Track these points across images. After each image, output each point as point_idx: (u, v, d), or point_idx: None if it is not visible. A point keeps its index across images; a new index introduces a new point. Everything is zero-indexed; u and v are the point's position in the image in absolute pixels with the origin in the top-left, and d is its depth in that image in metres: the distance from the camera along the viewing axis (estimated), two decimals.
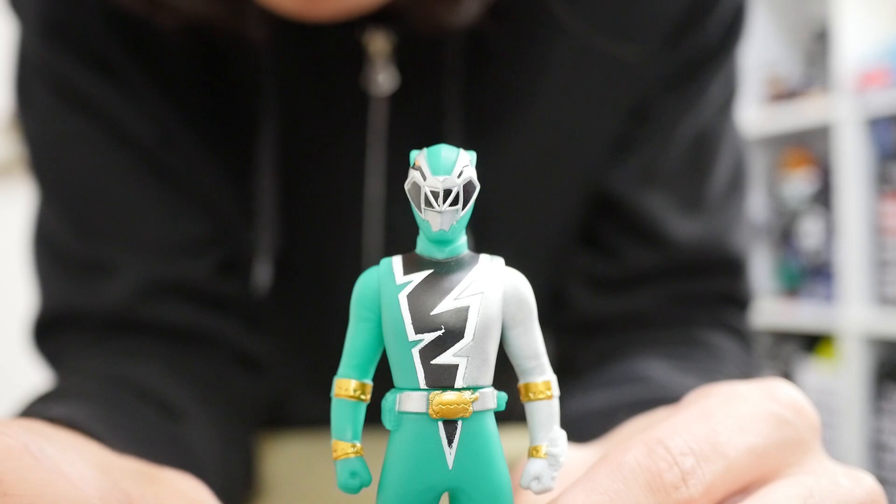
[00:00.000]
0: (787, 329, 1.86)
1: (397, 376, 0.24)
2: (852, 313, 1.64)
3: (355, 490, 0.24)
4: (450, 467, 0.23)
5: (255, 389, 0.54)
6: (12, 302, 1.39)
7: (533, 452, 0.24)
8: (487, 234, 0.49)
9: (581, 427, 0.38)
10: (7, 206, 1.91)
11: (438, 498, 0.24)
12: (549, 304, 0.56)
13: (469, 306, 0.23)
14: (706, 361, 0.50)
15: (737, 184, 0.56)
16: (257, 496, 0.55)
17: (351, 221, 0.53)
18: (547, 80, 0.52)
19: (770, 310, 1.82)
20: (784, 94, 1.88)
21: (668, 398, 0.36)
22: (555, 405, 0.25)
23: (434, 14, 0.46)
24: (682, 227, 0.54)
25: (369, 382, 0.24)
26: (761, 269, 1.93)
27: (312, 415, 0.59)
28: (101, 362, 0.47)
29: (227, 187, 0.53)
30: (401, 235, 0.52)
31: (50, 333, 0.52)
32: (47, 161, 0.53)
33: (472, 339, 0.23)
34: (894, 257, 1.61)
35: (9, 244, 1.32)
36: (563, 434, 0.25)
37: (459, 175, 0.23)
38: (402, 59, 0.51)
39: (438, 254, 0.24)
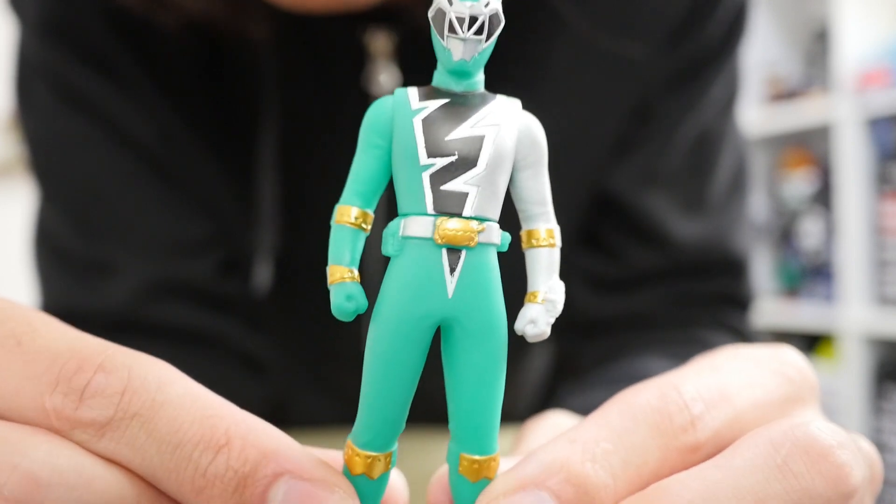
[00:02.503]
0: (787, 329, 1.86)
1: (404, 202, 0.23)
2: (852, 313, 1.64)
3: (350, 314, 0.23)
4: (449, 296, 0.22)
5: (257, 389, 0.54)
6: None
7: (530, 298, 0.24)
8: None
9: None
10: (7, 206, 1.91)
11: (435, 327, 0.23)
12: None
13: (484, 136, 0.23)
14: None
15: (738, 184, 0.57)
16: None
17: None
18: (549, 78, 0.52)
19: (770, 310, 1.82)
20: (784, 94, 1.89)
21: None
22: (556, 254, 0.25)
23: None
24: (684, 227, 0.54)
25: (371, 213, 0.24)
26: (761, 269, 1.93)
27: (313, 416, 0.59)
28: None
29: (228, 187, 0.53)
30: None
31: None
32: (48, 161, 0.53)
33: (485, 169, 0.23)
34: (894, 257, 1.61)
35: (9, 244, 1.32)
36: (561, 284, 0.24)
37: (486, 5, 0.23)
38: (404, 58, 0.51)
39: (456, 86, 0.24)
